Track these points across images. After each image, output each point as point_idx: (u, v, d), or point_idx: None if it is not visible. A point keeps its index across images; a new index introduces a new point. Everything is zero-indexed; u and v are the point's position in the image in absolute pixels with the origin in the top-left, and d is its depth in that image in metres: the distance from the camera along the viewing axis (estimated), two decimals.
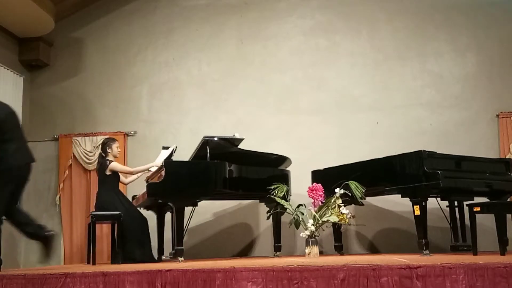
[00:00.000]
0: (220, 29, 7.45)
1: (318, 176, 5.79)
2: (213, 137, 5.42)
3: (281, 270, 3.55)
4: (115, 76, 7.53)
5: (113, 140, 5.91)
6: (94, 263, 5.29)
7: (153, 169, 5.67)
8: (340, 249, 5.95)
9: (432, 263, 3.47)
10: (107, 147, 5.77)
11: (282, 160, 6.00)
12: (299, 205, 5.12)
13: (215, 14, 7.49)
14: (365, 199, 5.25)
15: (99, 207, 5.61)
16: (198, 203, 5.71)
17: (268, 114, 7.13)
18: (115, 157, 5.83)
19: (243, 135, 5.57)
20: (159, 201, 5.49)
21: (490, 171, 5.26)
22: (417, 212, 4.77)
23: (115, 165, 5.69)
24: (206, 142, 5.34)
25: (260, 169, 5.63)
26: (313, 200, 5.01)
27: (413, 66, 7.02)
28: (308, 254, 4.87)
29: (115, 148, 5.81)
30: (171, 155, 5.67)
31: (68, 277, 3.76)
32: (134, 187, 6.35)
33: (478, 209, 4.69)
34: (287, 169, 6.04)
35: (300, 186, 5.65)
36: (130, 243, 5.44)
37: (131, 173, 5.84)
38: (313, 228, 4.86)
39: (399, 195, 5.07)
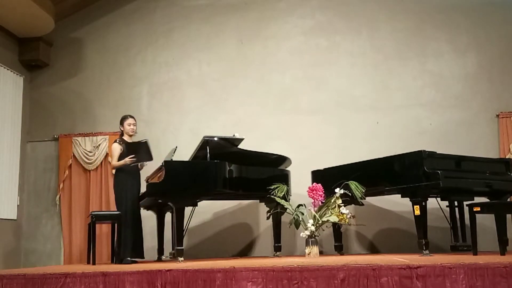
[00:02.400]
0: (220, 29, 7.45)
1: (318, 176, 5.79)
2: (213, 137, 5.42)
3: (281, 270, 3.56)
4: (115, 76, 7.53)
5: (126, 117, 5.75)
6: (94, 263, 5.29)
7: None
8: (340, 249, 5.95)
9: (432, 263, 3.47)
10: (120, 125, 5.73)
11: (282, 160, 6.00)
12: (299, 205, 5.12)
13: (215, 14, 7.49)
14: (365, 199, 5.25)
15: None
16: (198, 203, 5.70)
17: (268, 114, 7.12)
18: (128, 135, 5.70)
19: (243, 135, 5.57)
20: (159, 201, 5.49)
21: (490, 171, 5.26)
22: (417, 212, 4.77)
23: (112, 148, 5.61)
24: (206, 142, 5.34)
25: (260, 169, 5.63)
26: (313, 200, 5.01)
27: (413, 66, 7.02)
28: (308, 254, 4.87)
29: (126, 125, 5.68)
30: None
31: (68, 277, 3.76)
32: None
33: (478, 209, 4.69)
34: (287, 169, 6.04)
35: (300, 186, 5.65)
36: (133, 241, 5.43)
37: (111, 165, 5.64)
38: (313, 228, 4.86)
39: (399, 195, 5.07)
